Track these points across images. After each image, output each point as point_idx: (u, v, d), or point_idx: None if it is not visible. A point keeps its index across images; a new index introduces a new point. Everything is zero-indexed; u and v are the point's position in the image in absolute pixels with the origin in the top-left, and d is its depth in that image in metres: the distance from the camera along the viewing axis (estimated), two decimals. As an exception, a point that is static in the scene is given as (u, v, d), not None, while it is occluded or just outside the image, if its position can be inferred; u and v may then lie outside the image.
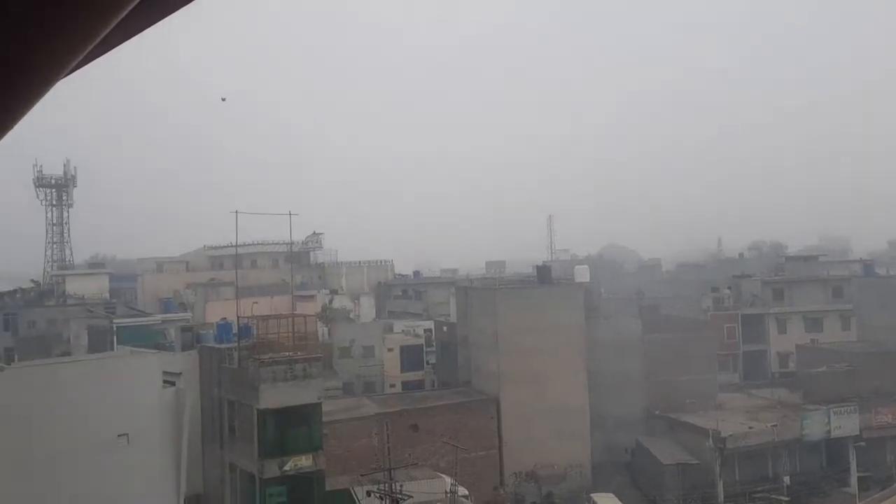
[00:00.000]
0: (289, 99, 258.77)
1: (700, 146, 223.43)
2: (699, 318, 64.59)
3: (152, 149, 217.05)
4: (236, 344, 38.67)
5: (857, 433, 48.47)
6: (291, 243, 63.85)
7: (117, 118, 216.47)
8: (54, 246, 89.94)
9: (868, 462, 48.76)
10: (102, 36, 1.40)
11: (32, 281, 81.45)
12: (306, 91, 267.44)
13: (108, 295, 74.57)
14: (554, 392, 46.94)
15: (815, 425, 48.25)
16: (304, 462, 34.88)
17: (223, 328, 42.28)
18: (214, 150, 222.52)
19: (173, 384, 33.36)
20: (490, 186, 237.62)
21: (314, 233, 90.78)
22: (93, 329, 55.59)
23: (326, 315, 67.12)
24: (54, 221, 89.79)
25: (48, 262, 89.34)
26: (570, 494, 45.98)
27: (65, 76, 1.45)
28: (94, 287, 74.90)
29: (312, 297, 72.46)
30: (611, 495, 42.60)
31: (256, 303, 46.06)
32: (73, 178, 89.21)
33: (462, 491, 34.19)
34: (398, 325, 64.72)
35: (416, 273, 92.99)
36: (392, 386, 57.12)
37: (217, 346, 40.68)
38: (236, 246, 58.05)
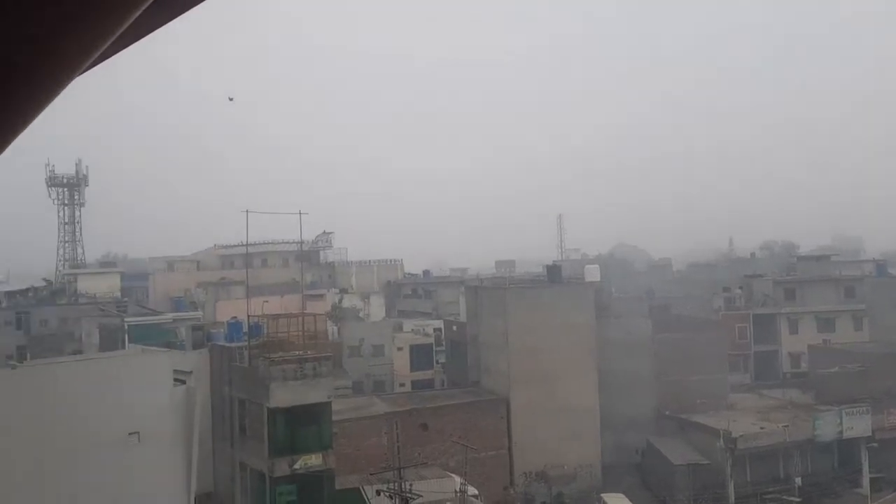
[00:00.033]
0: (300, 99, 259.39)
1: (712, 147, 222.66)
2: (710, 318, 64.30)
3: (164, 148, 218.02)
4: (247, 343, 38.78)
5: (870, 434, 48.13)
6: (302, 242, 63.99)
7: (128, 118, 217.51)
8: (66, 245, 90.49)
9: (880, 463, 48.41)
10: (115, 37, 1.38)
11: (45, 280, 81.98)
12: (318, 92, 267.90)
13: (119, 294, 74.95)
14: (564, 392, 46.83)
15: (827, 426, 47.95)
16: (313, 461, 34.92)
17: (234, 327, 42.42)
18: (226, 149, 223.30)
19: (184, 383, 33.42)
20: (500, 186, 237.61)
21: (324, 232, 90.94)
22: (104, 327, 55.89)
23: (336, 314, 67.22)
24: (66, 220, 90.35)
25: (60, 260, 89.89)
26: (581, 495, 45.86)
27: (76, 77, 1.43)
28: (106, 286, 75.29)
29: (322, 296, 72.55)
30: (621, 496, 42.47)
31: (267, 302, 46.14)
32: (85, 177, 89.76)
33: (472, 490, 34.15)
34: (408, 325, 64.74)
35: (426, 272, 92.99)
36: (402, 385, 57.15)
37: (227, 344, 40.81)
38: (247, 245, 58.18)
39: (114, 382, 27.74)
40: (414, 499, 29.70)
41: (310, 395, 35.42)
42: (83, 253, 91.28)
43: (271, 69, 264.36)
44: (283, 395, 34.81)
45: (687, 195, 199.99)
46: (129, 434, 26.88)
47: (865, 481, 47.63)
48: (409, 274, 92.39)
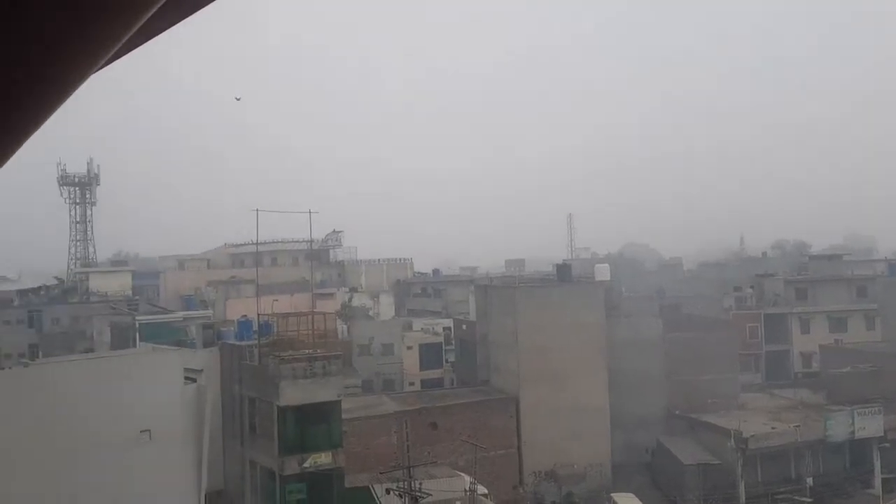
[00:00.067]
0: (305, 100, 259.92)
1: (723, 146, 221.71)
2: (721, 318, 64.03)
3: (173, 148, 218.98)
4: (257, 341, 38.88)
5: (882, 434, 47.80)
6: (311, 241, 63.99)
7: (137, 118, 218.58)
8: (78, 243, 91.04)
9: (892, 463, 48.08)
10: (127, 38, 1.38)
11: (56, 278, 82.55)
12: (327, 92, 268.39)
13: (130, 292, 75.36)
14: (574, 391, 46.75)
15: (839, 426, 47.67)
16: (323, 459, 35.00)
17: (244, 325, 42.55)
18: (235, 149, 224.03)
19: (194, 381, 33.57)
20: (510, 186, 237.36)
21: (334, 231, 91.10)
22: (115, 326, 56.22)
23: (346, 313, 67.34)
24: (78, 219, 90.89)
25: (72, 259, 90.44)
26: (590, 494, 45.77)
27: (89, 77, 1.43)
28: (117, 284, 75.72)
29: (332, 294, 72.71)
30: (631, 495, 42.38)
31: (276, 300, 46.24)
32: (97, 176, 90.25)
33: (481, 490, 34.14)
34: (417, 323, 64.75)
35: (436, 271, 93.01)
36: (411, 384, 57.18)
37: (238, 343, 40.95)
38: (257, 244, 58.35)
39: (125, 381, 27.89)
40: (423, 497, 29.73)
41: (320, 393, 35.50)
42: (94, 252, 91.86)
43: (276, 70, 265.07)
44: (293, 394, 34.90)
45: (698, 194, 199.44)
46: (141, 432, 27.01)
47: (877, 482, 47.34)
48: (418, 273, 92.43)
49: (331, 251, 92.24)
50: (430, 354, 59.03)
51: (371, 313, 72.29)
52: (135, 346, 48.47)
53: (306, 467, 34.55)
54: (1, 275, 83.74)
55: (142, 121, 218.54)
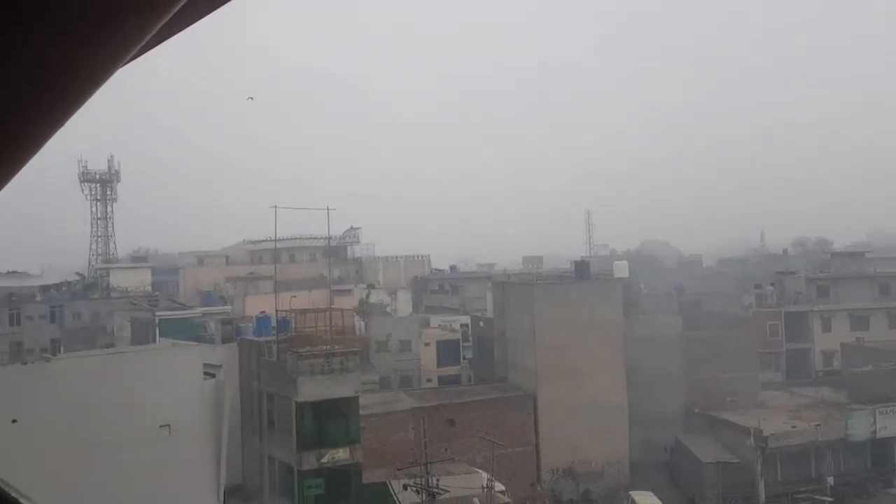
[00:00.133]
0: (327, 95, 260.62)
1: (744, 142, 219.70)
2: (741, 315, 63.51)
3: (194, 144, 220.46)
4: (275, 337, 39.09)
5: (904, 434, 47.31)
6: (329, 238, 64.21)
7: (161, 113, 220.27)
8: (99, 240, 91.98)
9: (915, 463, 47.57)
10: (157, 29, 1.37)
11: (78, 274, 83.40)
12: (345, 88, 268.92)
13: (150, 288, 76.07)
14: (592, 388, 46.56)
15: (860, 425, 47.20)
16: (341, 455, 35.16)
17: (262, 321, 42.80)
18: (254, 144, 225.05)
19: (213, 376, 33.84)
20: (529, 182, 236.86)
21: (351, 227, 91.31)
22: (136, 321, 56.75)
23: (363, 309, 67.46)
24: (99, 216, 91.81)
25: (93, 255, 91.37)
26: (608, 492, 45.61)
27: (118, 69, 1.43)
28: (137, 280, 76.44)
29: (350, 291, 72.90)
30: (649, 493, 42.16)
31: (295, 297, 46.43)
32: (117, 173, 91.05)
33: (499, 486, 34.10)
34: (435, 320, 64.78)
35: (453, 268, 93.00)
36: (428, 380, 57.20)
37: (256, 339, 41.20)
38: (275, 240, 58.55)
39: (145, 376, 28.15)
40: (441, 494, 29.76)
41: (337, 389, 35.64)
42: (115, 248, 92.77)
43: (301, 62, 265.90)
44: (311, 390, 35.05)
45: (718, 192, 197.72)
46: (161, 426, 27.28)
47: (900, 482, 46.83)
48: (436, 269, 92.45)
49: (348, 248, 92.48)
50: (447, 351, 59.03)
51: (388, 310, 72.41)
52: (154, 341, 48.87)
53: (324, 463, 34.71)
54: (23, 271, 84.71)
55: (160, 119, 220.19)
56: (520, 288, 53.05)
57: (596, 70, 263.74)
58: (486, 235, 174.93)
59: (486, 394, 47.32)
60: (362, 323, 61.06)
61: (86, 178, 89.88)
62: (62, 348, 56.09)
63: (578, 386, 46.35)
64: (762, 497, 44.92)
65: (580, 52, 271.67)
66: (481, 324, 56.70)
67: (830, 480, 46.00)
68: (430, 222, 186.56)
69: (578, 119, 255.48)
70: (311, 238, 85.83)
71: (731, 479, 44.95)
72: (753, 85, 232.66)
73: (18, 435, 24.36)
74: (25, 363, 41.29)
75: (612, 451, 46.68)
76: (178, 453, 27.61)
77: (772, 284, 69.50)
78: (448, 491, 30.21)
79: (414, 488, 30.54)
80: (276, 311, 40.68)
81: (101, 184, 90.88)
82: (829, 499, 45.28)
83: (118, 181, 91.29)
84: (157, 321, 55.18)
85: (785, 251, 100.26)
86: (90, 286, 77.55)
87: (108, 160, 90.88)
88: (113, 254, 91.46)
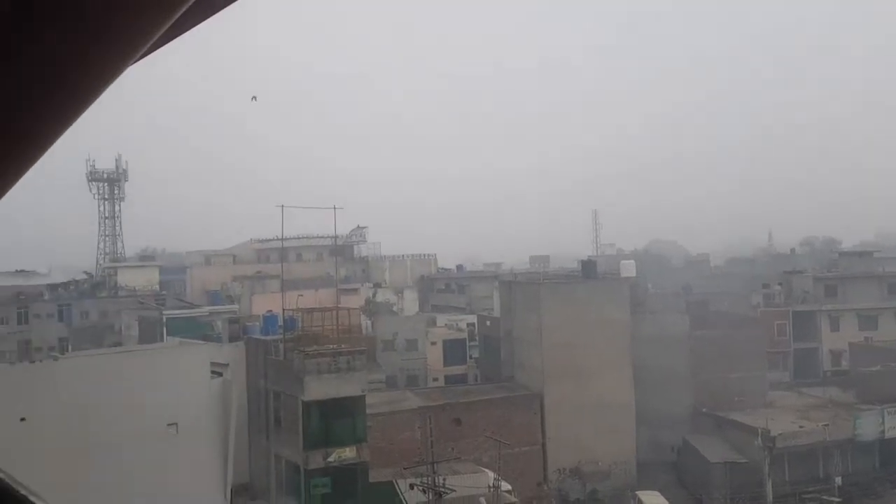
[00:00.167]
0: (334, 96, 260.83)
1: (751, 142, 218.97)
2: (749, 315, 63.30)
3: (201, 143, 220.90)
4: (282, 336, 39.14)
5: (913, 434, 47.08)
6: (336, 237, 64.34)
7: (167, 112, 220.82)
8: (106, 239, 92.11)
9: (924, 464, 47.35)
10: (160, 34, 1.36)
11: (85, 273, 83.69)
12: (353, 88, 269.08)
13: (158, 287, 76.21)
14: (599, 388, 46.48)
15: (869, 425, 47.00)
16: (347, 454, 35.18)
17: (269, 320, 42.85)
18: (261, 144, 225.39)
19: (220, 375, 33.90)
20: (535, 181, 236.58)
21: (358, 226, 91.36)
22: (143, 320, 56.93)
23: (370, 308, 67.51)
24: (107, 215, 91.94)
25: (101, 254, 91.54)
26: (615, 492, 45.53)
27: (128, 67, 1.42)
28: (145, 279, 76.63)
29: (356, 290, 72.94)
30: (656, 493, 42.07)
31: (301, 295, 46.51)
32: (125, 172, 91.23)
33: (505, 486, 34.08)
34: (441, 319, 64.77)
35: (460, 267, 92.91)
36: (435, 380, 57.21)
37: (263, 338, 41.24)
38: (282, 239, 58.74)
39: (153, 374, 28.22)
40: (447, 493, 29.75)
41: (344, 388, 35.66)
42: (123, 247, 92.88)
43: (309, 63, 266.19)
44: (318, 389, 35.09)
45: (725, 191, 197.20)
46: (168, 425, 27.34)
47: (908, 482, 46.61)
48: (442, 268, 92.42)
49: (355, 247, 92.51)
50: (453, 350, 59.02)
51: (395, 309, 72.43)
52: (162, 340, 49.00)
53: (331, 461, 34.75)
54: (31, 269, 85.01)
55: (161, 119, 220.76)
56: (526, 287, 53.00)
57: (596, 70, 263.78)
58: (493, 235, 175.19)
59: (493, 393, 47.29)
60: (369, 322, 61.10)
61: (94, 177, 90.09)
62: (70, 347, 56.32)
63: (585, 385, 46.27)
64: (770, 497, 44.78)
65: (580, 53, 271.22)
66: (488, 323, 56.68)
67: (838, 480, 45.82)
68: (436, 222, 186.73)
69: (579, 119, 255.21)
70: (318, 237, 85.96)
71: (738, 479, 44.81)
72: (753, 85, 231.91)
73: (27, 433, 24.46)
74: (33, 361, 41.41)
75: (619, 450, 46.60)
76: (186, 452, 27.68)
77: (780, 284, 69.28)
78: (454, 490, 30.20)
79: (420, 487, 30.54)
80: (283, 309, 40.75)
81: (109, 183, 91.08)
82: (837, 499, 45.10)
83: (126, 180, 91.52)
84: (164, 320, 55.33)
85: (793, 251, 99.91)
86: (98, 285, 77.81)
87: (116, 159, 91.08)
88: (121, 253, 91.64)
